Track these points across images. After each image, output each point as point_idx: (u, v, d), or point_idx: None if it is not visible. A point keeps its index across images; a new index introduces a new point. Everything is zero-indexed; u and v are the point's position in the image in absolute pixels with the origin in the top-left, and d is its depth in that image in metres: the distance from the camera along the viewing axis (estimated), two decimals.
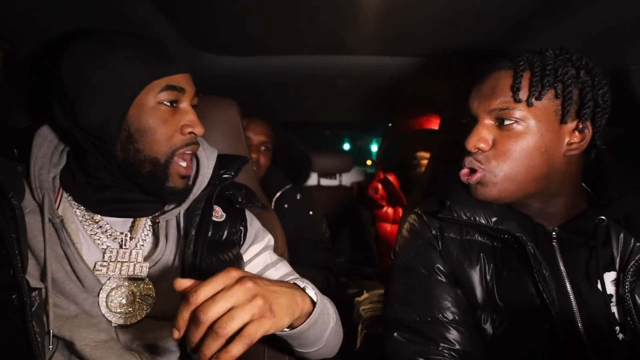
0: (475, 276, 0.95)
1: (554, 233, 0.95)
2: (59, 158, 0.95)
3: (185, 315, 0.66)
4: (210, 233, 0.96)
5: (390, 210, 2.15)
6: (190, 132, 0.92)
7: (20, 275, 0.78)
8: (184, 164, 0.94)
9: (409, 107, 2.19)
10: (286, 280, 1.00)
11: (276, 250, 1.16)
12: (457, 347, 0.93)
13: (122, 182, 0.93)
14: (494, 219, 0.93)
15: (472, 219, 0.94)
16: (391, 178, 2.17)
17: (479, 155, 0.91)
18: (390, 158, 2.29)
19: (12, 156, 0.91)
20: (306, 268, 1.85)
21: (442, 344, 0.93)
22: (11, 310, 0.78)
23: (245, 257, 1.06)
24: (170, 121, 0.90)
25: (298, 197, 2.01)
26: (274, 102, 2.16)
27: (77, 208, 0.94)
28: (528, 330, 0.90)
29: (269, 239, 1.11)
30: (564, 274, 0.91)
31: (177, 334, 0.67)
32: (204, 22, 1.23)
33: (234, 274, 0.70)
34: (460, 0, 1.05)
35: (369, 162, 4.79)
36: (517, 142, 0.88)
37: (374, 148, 5.00)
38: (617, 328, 0.87)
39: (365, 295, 1.89)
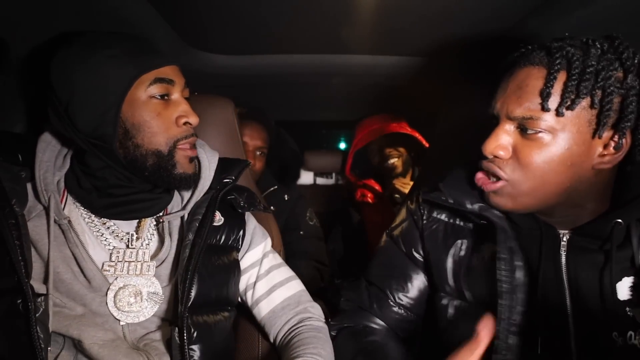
0: (449, 261, 0.95)
1: (564, 237, 0.86)
2: (62, 162, 0.95)
3: None
4: (209, 237, 0.96)
5: (380, 211, 2.16)
6: (186, 122, 0.92)
7: (25, 282, 0.79)
8: (188, 151, 0.94)
9: (405, 107, 2.20)
10: (284, 285, 1.06)
11: (273, 248, 1.17)
12: (388, 320, 1.02)
13: (128, 180, 0.93)
14: (478, 205, 0.89)
15: (456, 203, 0.91)
16: (372, 184, 2.18)
17: (498, 162, 0.83)
18: (361, 167, 2.30)
19: (16, 161, 0.91)
20: (298, 261, 1.84)
21: (379, 310, 1.02)
22: (16, 315, 0.79)
23: (244, 264, 1.07)
24: (163, 114, 0.89)
25: (286, 197, 1.99)
26: (269, 101, 2.15)
27: (83, 209, 0.93)
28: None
29: (265, 243, 1.12)
30: (565, 277, 0.85)
31: None
32: (200, 20, 1.23)
33: None
34: (455, 0, 1.05)
35: None
36: (541, 154, 0.78)
37: None
38: (631, 333, 0.79)
39: None
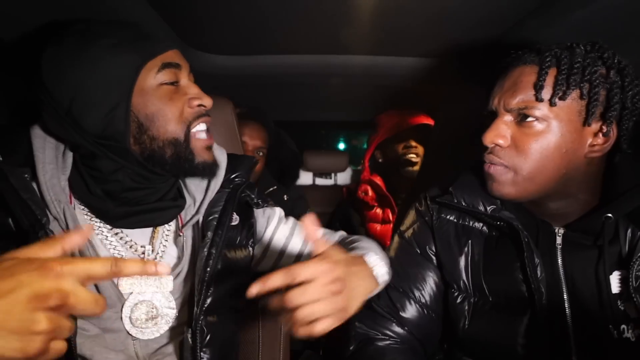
0: (462, 260, 0.99)
1: (558, 233, 0.93)
2: (63, 161, 0.86)
3: (275, 282, 0.67)
4: (227, 237, 0.94)
5: (379, 211, 2.15)
6: (200, 105, 0.86)
7: None
8: (203, 135, 0.89)
9: (404, 107, 2.20)
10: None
11: None
12: (410, 321, 1.02)
13: (145, 179, 0.86)
14: (491, 207, 0.95)
15: (470, 206, 0.97)
16: (377, 180, 2.17)
17: (498, 151, 0.89)
18: (375, 160, 2.29)
19: (17, 160, 0.82)
20: None
21: (400, 312, 1.03)
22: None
23: (265, 238, 1.08)
24: (176, 98, 0.84)
25: (285, 198, 1.99)
26: (269, 101, 2.15)
27: (93, 218, 0.87)
28: (510, 318, 0.92)
29: (278, 212, 1.13)
30: (561, 273, 0.90)
31: (254, 291, 0.67)
32: (199, 21, 1.23)
33: (329, 264, 0.70)
34: (454, 1, 1.05)
35: None
36: (537, 141, 0.85)
37: None
38: (624, 327, 0.84)
39: None
